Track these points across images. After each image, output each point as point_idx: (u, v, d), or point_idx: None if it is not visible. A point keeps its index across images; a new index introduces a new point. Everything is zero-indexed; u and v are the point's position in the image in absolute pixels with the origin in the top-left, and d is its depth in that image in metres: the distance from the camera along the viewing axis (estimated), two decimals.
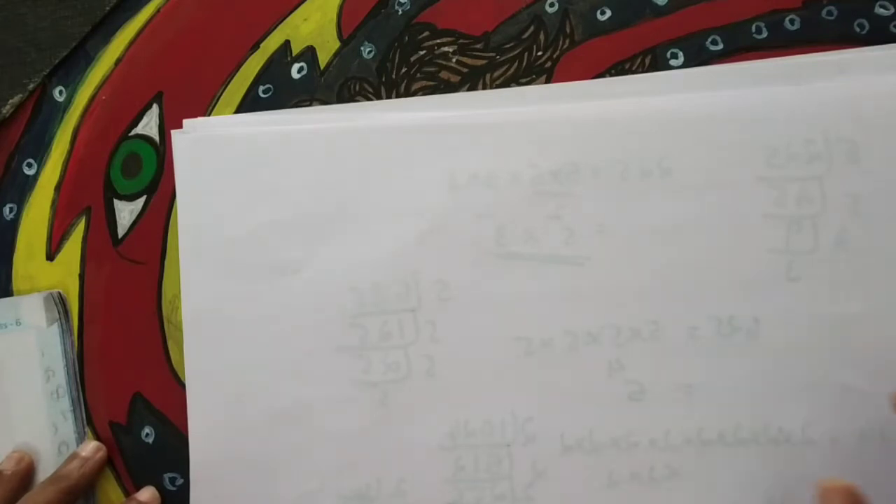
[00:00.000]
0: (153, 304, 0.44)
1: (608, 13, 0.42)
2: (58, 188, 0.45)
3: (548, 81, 0.42)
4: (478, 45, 0.43)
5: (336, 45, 0.44)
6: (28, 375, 0.44)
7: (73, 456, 0.43)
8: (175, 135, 0.43)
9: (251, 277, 0.42)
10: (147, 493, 0.44)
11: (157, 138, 0.44)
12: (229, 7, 0.44)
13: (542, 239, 0.41)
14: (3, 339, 0.45)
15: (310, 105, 0.44)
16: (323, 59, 0.44)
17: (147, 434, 0.44)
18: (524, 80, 0.42)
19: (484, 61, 0.43)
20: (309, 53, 0.44)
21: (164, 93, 0.45)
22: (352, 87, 0.44)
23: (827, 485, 0.35)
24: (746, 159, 0.40)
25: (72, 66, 0.45)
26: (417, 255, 0.41)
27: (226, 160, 0.42)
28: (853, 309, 0.39)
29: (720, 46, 0.41)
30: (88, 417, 0.45)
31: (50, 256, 0.45)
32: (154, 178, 0.44)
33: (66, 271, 0.45)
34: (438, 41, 0.43)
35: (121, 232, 0.45)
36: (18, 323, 0.45)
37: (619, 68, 0.42)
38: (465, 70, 0.43)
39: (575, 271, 0.41)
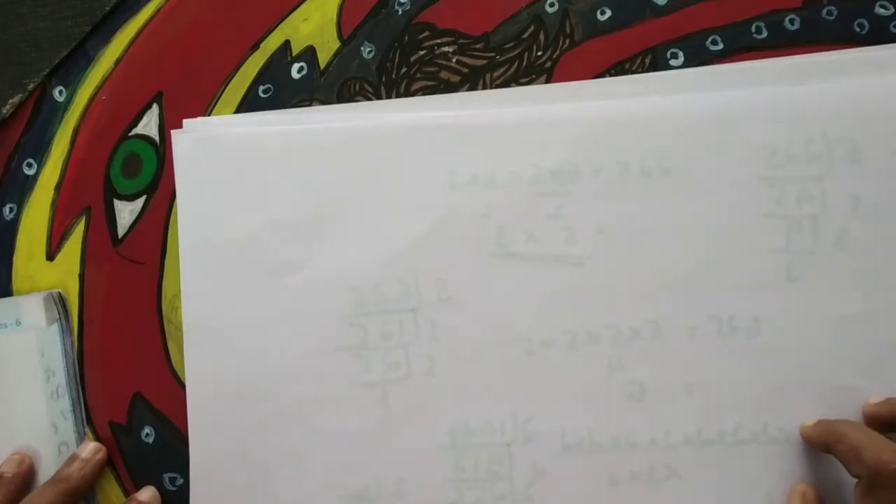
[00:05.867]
0: (153, 304, 0.44)
1: (608, 13, 0.42)
2: (58, 188, 0.45)
3: (548, 81, 0.42)
4: (478, 45, 0.43)
5: (336, 45, 0.44)
6: (28, 375, 0.44)
7: (74, 457, 0.43)
8: (175, 135, 0.43)
9: (251, 277, 0.42)
10: (147, 493, 0.44)
11: (157, 138, 0.44)
12: (229, 7, 0.44)
13: (542, 239, 0.41)
14: (3, 339, 0.45)
15: (310, 105, 0.44)
16: (323, 59, 0.44)
17: (147, 434, 0.44)
18: (524, 80, 0.42)
19: (484, 61, 0.43)
20: (309, 53, 0.44)
21: (164, 93, 0.45)
22: (352, 87, 0.44)
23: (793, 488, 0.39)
24: (746, 159, 0.40)
25: (72, 66, 0.45)
26: (417, 255, 0.41)
27: (226, 160, 0.42)
28: (853, 309, 0.39)
29: (720, 46, 0.41)
30: (88, 417, 0.45)
31: (50, 256, 0.45)
32: (154, 178, 0.44)
33: (66, 271, 0.45)
34: (438, 41, 0.43)
35: (121, 232, 0.45)
36: (18, 323, 0.45)
37: (619, 68, 0.42)
38: (465, 70, 0.43)
39: (575, 271, 0.41)
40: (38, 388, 0.44)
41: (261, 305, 0.42)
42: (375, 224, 0.42)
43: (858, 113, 0.39)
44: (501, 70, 0.43)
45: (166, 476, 0.44)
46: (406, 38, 0.43)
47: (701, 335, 0.40)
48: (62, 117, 0.45)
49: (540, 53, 0.42)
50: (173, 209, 0.44)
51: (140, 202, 0.45)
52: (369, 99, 0.43)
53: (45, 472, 0.44)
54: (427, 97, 0.43)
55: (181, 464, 0.43)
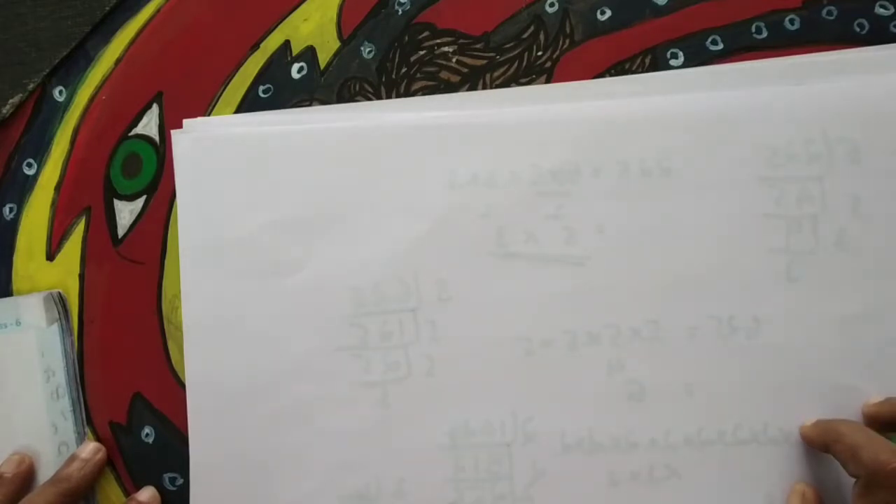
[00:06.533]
0: (153, 304, 0.44)
1: (608, 13, 0.42)
2: (58, 188, 0.45)
3: (548, 81, 0.42)
4: (478, 45, 0.43)
5: (336, 45, 0.44)
6: (28, 375, 0.44)
7: (73, 458, 0.43)
8: (175, 135, 0.43)
9: (251, 277, 0.42)
10: (147, 493, 0.44)
11: (157, 138, 0.44)
12: (229, 7, 0.44)
13: (542, 239, 0.41)
14: (3, 339, 0.45)
15: (310, 105, 0.44)
16: (323, 59, 0.44)
17: (147, 434, 0.44)
18: (524, 80, 0.42)
19: (484, 61, 0.43)
20: (309, 53, 0.44)
21: (164, 93, 0.45)
22: (352, 87, 0.44)
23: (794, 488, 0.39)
24: (746, 159, 0.40)
25: (72, 66, 0.45)
26: (417, 255, 0.41)
27: (226, 160, 0.42)
28: (853, 309, 0.39)
29: (720, 46, 0.41)
30: (88, 417, 0.45)
31: (50, 256, 0.45)
32: (154, 178, 0.44)
33: (66, 271, 0.45)
34: (438, 41, 0.43)
35: (121, 232, 0.45)
36: (18, 323, 0.45)
37: (619, 68, 0.42)
38: (465, 70, 0.43)
39: (575, 271, 0.41)
40: (38, 388, 0.44)
41: (261, 305, 0.42)
42: (375, 224, 0.42)
43: (858, 113, 0.39)
44: (501, 70, 0.43)
45: (166, 476, 0.44)
46: (406, 38, 0.43)
47: (701, 335, 0.40)
48: (62, 117, 0.45)
49: (540, 53, 0.42)
50: (173, 209, 0.44)
51: (140, 202, 0.45)
52: (369, 99, 0.43)
53: (45, 472, 0.44)
54: (427, 97, 0.43)
55: (181, 464, 0.43)
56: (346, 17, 0.44)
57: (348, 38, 0.44)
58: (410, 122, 0.42)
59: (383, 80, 0.43)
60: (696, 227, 0.40)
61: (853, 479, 0.36)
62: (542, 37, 0.42)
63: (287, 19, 0.44)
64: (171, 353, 0.44)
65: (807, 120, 0.40)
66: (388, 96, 0.43)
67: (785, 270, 0.40)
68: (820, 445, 0.38)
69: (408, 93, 0.43)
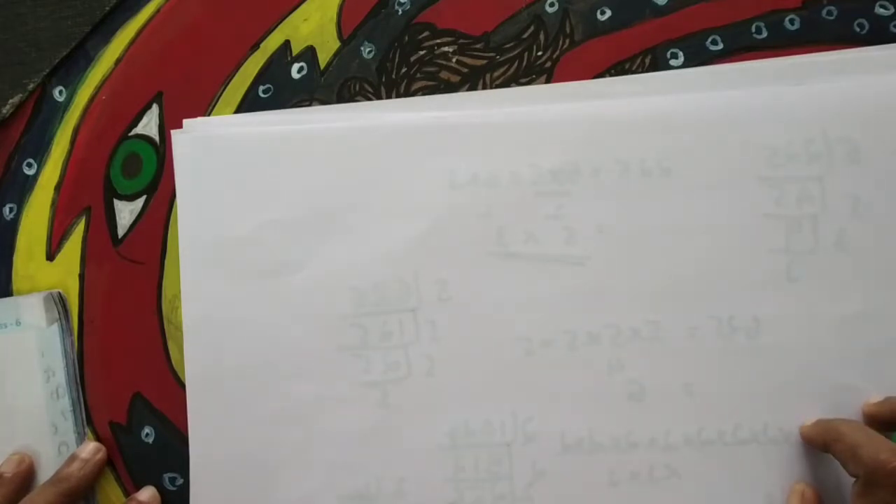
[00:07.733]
0: (153, 304, 0.44)
1: (608, 13, 0.42)
2: (58, 188, 0.45)
3: (548, 81, 0.42)
4: (478, 45, 0.43)
5: (336, 45, 0.44)
6: (28, 375, 0.44)
7: (73, 457, 0.43)
8: (175, 135, 0.43)
9: (251, 277, 0.42)
10: (147, 493, 0.44)
11: (157, 138, 0.44)
12: (229, 7, 0.44)
13: (542, 239, 0.41)
14: (3, 339, 0.45)
15: (310, 105, 0.44)
16: (323, 59, 0.44)
17: (147, 434, 0.44)
18: (524, 80, 0.42)
19: (484, 61, 0.43)
20: (309, 53, 0.44)
21: (164, 93, 0.45)
22: (352, 87, 0.44)
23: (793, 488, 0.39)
24: (746, 159, 0.40)
25: (72, 66, 0.45)
26: (417, 255, 0.41)
27: (226, 160, 0.42)
28: (853, 309, 0.39)
29: (720, 46, 0.41)
30: (88, 417, 0.45)
31: (50, 256, 0.45)
32: (154, 178, 0.44)
33: (66, 271, 0.45)
34: (438, 41, 0.43)
35: (121, 232, 0.45)
36: (18, 323, 0.45)
37: (619, 68, 0.42)
38: (465, 70, 0.43)
39: (575, 271, 0.41)
40: (38, 388, 0.44)
41: (261, 305, 0.42)
42: (375, 224, 0.42)
43: (858, 113, 0.39)
44: (501, 70, 0.43)
45: (166, 476, 0.44)
46: (406, 38, 0.43)
47: (701, 335, 0.40)
48: (62, 117, 0.45)
49: (540, 53, 0.42)
50: (173, 209, 0.44)
51: (140, 202, 0.45)
52: (369, 99, 0.43)
53: (45, 472, 0.44)
54: (427, 97, 0.43)
55: (181, 464, 0.43)
56: (346, 17, 0.44)
57: (348, 38, 0.44)
58: (410, 122, 0.42)
59: (383, 80, 0.43)
60: (696, 227, 0.40)
61: (853, 479, 0.36)
62: (542, 37, 0.42)
63: (287, 19, 0.44)
64: (171, 353, 0.44)
65: (807, 120, 0.40)
66: (388, 96, 0.43)
67: (785, 270, 0.40)
68: (820, 445, 0.38)
69: (408, 93, 0.43)
